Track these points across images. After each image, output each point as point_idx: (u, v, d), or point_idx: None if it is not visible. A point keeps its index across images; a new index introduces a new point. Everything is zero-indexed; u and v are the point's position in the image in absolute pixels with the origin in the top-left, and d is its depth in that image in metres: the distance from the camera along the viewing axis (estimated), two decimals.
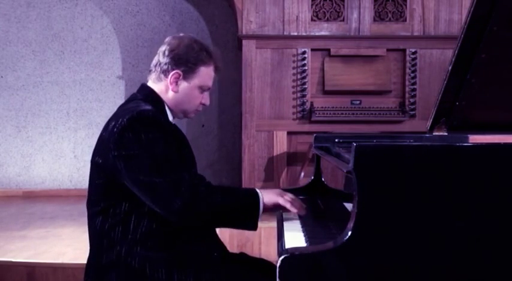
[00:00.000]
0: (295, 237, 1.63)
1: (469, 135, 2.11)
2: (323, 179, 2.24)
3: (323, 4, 4.65)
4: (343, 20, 4.64)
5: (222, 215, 1.70)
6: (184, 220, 1.65)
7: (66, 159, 6.11)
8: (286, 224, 1.80)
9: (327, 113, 4.52)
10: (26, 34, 6.04)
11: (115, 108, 1.88)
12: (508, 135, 1.94)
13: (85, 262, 1.82)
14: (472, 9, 1.66)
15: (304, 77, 4.57)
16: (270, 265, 1.92)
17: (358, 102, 4.57)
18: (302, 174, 4.41)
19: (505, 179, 1.35)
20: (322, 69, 4.58)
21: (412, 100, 4.58)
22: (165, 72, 1.82)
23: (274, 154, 4.61)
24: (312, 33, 4.62)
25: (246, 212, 1.71)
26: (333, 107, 4.55)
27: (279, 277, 1.34)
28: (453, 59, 1.78)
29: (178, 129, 1.82)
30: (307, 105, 4.56)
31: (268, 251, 3.83)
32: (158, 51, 1.85)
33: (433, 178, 1.34)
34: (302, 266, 1.34)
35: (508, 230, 1.35)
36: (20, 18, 6.03)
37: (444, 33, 4.61)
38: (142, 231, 1.68)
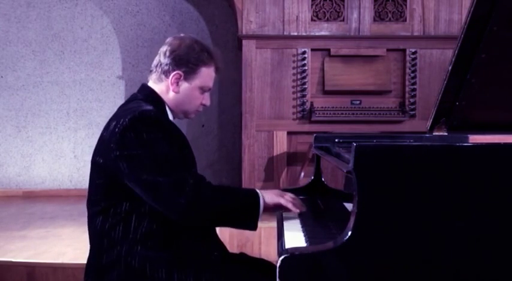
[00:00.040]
0: (295, 237, 1.63)
1: (469, 135, 2.11)
2: (323, 179, 2.24)
3: (323, 4, 4.65)
4: (343, 20, 4.64)
5: (223, 215, 1.71)
6: (187, 218, 1.65)
7: (66, 159, 6.12)
8: (286, 224, 1.80)
9: (327, 113, 4.52)
10: (26, 34, 6.04)
11: (115, 108, 1.88)
12: (508, 135, 1.94)
13: (85, 262, 1.82)
14: (472, 9, 1.66)
15: (304, 77, 4.57)
16: (269, 265, 1.92)
17: (358, 102, 4.57)
18: (302, 174, 4.41)
19: (505, 179, 1.35)
20: (322, 69, 4.58)
21: (412, 100, 4.58)
22: (166, 73, 1.82)
23: (274, 154, 4.61)
24: (312, 33, 4.62)
25: (246, 212, 1.71)
26: (333, 107, 4.55)
27: (279, 277, 1.34)
28: (453, 59, 1.78)
29: (179, 130, 1.82)
30: (307, 105, 4.56)
31: (268, 251, 3.83)
32: (159, 52, 1.86)
33: (433, 178, 1.34)
34: (302, 266, 1.34)
35: (508, 230, 1.35)
36: (20, 18, 6.03)
37: (444, 33, 4.61)
38: (143, 231, 1.68)
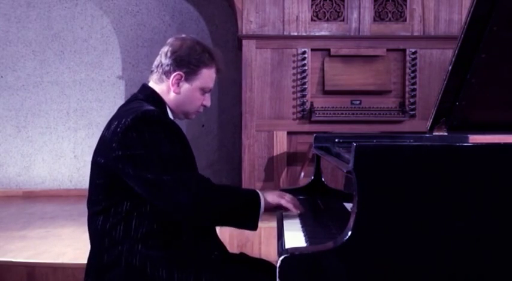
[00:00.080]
0: (295, 237, 1.63)
1: (469, 135, 2.11)
2: (323, 179, 2.24)
3: (323, 4, 4.65)
4: (343, 20, 4.64)
5: (225, 214, 1.72)
6: (190, 216, 1.66)
7: (66, 159, 6.12)
8: (286, 224, 1.80)
9: (327, 113, 4.52)
10: (26, 34, 6.04)
11: (115, 108, 1.88)
12: (508, 135, 1.94)
13: (85, 262, 1.82)
14: (472, 9, 1.66)
15: (304, 77, 4.57)
16: (269, 265, 1.92)
17: (358, 102, 4.58)
18: (302, 174, 4.41)
19: (505, 179, 1.35)
20: (322, 69, 4.59)
21: (412, 100, 4.58)
22: (167, 74, 1.83)
23: (274, 154, 4.61)
24: (312, 33, 4.62)
25: (247, 212, 1.72)
26: (333, 107, 4.55)
27: (279, 277, 1.34)
28: (453, 59, 1.78)
29: (181, 130, 1.82)
30: (307, 105, 4.56)
31: (268, 251, 3.83)
32: (160, 52, 1.86)
33: (433, 178, 1.34)
34: (302, 266, 1.34)
35: (508, 230, 1.35)
36: (20, 18, 6.03)
37: (444, 33, 4.61)
38: (144, 230, 1.69)
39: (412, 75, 4.59)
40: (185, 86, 1.84)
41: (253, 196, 1.74)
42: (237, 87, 5.42)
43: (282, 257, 1.34)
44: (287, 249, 1.38)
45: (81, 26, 6.06)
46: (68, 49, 6.06)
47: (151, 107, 1.75)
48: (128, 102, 1.86)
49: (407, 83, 4.60)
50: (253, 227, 1.72)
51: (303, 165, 4.47)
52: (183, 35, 1.90)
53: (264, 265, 1.94)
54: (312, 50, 4.59)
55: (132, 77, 6.03)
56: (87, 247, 1.83)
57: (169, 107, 1.86)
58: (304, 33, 4.62)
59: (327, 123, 4.49)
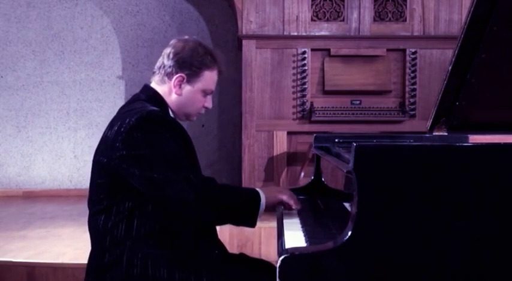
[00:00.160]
0: (295, 237, 1.63)
1: (469, 135, 2.11)
2: (323, 179, 2.24)
3: (323, 4, 4.65)
4: (343, 20, 4.64)
5: (226, 212, 1.75)
6: (196, 213, 1.68)
7: (66, 159, 6.11)
8: (286, 224, 1.80)
9: (327, 113, 4.52)
10: (26, 34, 6.04)
11: (115, 108, 1.88)
12: (508, 135, 1.94)
13: (85, 261, 1.82)
14: (472, 9, 1.66)
15: (304, 77, 4.57)
16: (269, 266, 1.93)
17: (358, 102, 4.57)
18: (302, 174, 4.41)
19: (505, 179, 1.35)
20: (322, 69, 4.58)
21: (412, 100, 4.58)
22: (169, 75, 1.83)
23: (274, 154, 4.61)
24: (312, 33, 4.62)
25: (247, 210, 1.75)
26: (333, 107, 4.55)
27: (279, 277, 1.34)
28: (453, 59, 1.78)
29: (185, 130, 1.83)
30: (307, 105, 4.56)
31: (268, 251, 3.83)
32: (163, 54, 1.86)
33: (433, 178, 1.34)
34: (302, 266, 1.34)
35: (508, 230, 1.35)
36: (20, 18, 6.03)
37: (444, 33, 4.61)
38: (146, 229, 1.69)
39: (412, 75, 4.59)
40: (187, 88, 1.84)
41: (254, 195, 1.76)
42: (237, 87, 5.42)
43: (282, 257, 1.34)
44: (287, 249, 1.38)
45: (81, 26, 6.06)
46: (68, 49, 6.05)
47: (155, 108, 1.76)
48: (130, 102, 1.86)
49: (407, 83, 4.60)
50: (252, 224, 1.75)
51: (303, 165, 4.47)
52: (186, 37, 1.91)
53: (264, 265, 1.95)
54: (312, 50, 4.59)
55: (132, 77, 6.03)
56: (87, 247, 1.83)
57: (170, 109, 1.86)
58: (304, 33, 4.62)
59: (327, 123, 4.48)
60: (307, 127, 4.56)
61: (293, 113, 4.60)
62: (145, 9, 6.05)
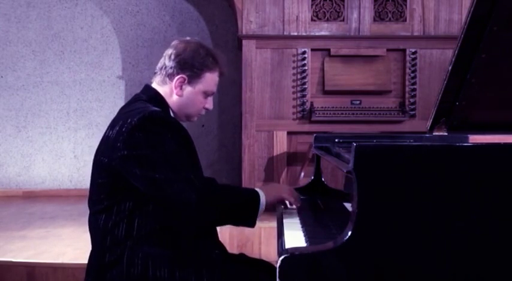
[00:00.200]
0: (295, 237, 1.63)
1: (469, 135, 2.11)
2: (323, 179, 2.24)
3: (323, 4, 4.65)
4: (343, 20, 4.64)
5: (226, 213, 1.75)
6: (197, 214, 1.68)
7: (66, 159, 6.12)
8: (286, 224, 1.81)
9: (327, 113, 4.52)
10: (26, 34, 6.04)
11: (115, 108, 1.88)
12: (508, 135, 1.94)
13: (85, 262, 1.82)
14: (472, 9, 1.66)
15: (304, 77, 4.56)
16: (269, 266, 1.93)
17: (358, 102, 4.57)
18: (302, 174, 4.41)
19: (505, 179, 1.35)
20: (322, 69, 4.58)
21: (412, 100, 4.58)
22: (170, 76, 1.84)
23: (274, 154, 4.61)
24: (312, 33, 4.62)
25: (247, 211, 1.75)
26: (333, 107, 4.55)
27: (279, 277, 1.34)
28: (453, 59, 1.78)
29: (186, 131, 1.83)
30: (307, 105, 4.56)
31: (268, 251, 3.83)
32: (164, 54, 1.87)
33: (433, 178, 1.34)
34: (302, 266, 1.34)
35: (508, 230, 1.35)
36: (20, 18, 6.03)
37: (444, 33, 4.60)
38: (146, 229, 1.70)
39: (412, 75, 4.59)
40: (188, 89, 1.85)
41: (253, 195, 1.77)
42: (237, 87, 5.42)
43: (282, 257, 1.34)
44: (287, 249, 1.38)
45: (81, 26, 6.06)
46: (68, 49, 6.06)
47: (157, 108, 1.76)
48: (131, 102, 1.86)
49: (407, 83, 4.59)
50: (252, 225, 1.76)
51: (303, 165, 4.46)
52: (187, 38, 1.91)
53: (264, 265, 1.95)
54: (312, 50, 4.58)
55: (132, 77, 6.03)
56: (87, 247, 1.83)
57: (171, 109, 1.87)
58: (304, 33, 4.62)
59: (327, 123, 4.48)
60: (307, 127, 4.56)
61: (293, 113, 4.60)
62: (145, 9, 6.05)
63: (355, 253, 1.33)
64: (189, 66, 1.83)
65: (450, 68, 1.79)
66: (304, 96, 4.57)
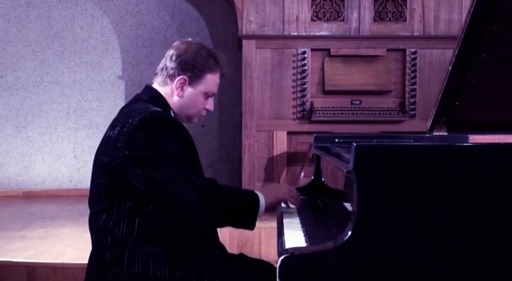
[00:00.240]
0: (295, 237, 1.63)
1: (469, 135, 2.11)
2: (323, 179, 2.24)
3: (323, 4, 4.65)
4: (343, 20, 4.64)
5: (226, 214, 1.75)
6: (198, 214, 1.68)
7: (66, 159, 6.12)
8: (286, 224, 1.81)
9: (327, 113, 4.52)
10: (26, 34, 6.04)
11: (115, 108, 1.89)
12: (508, 135, 1.94)
13: (85, 261, 1.82)
14: (472, 9, 1.66)
15: (304, 77, 4.56)
16: (269, 266, 1.93)
17: (358, 102, 4.57)
18: (302, 174, 4.41)
19: (505, 179, 1.35)
20: (322, 69, 4.58)
21: (412, 100, 4.58)
22: (171, 77, 1.84)
23: (274, 154, 4.61)
24: (312, 33, 4.62)
25: (246, 213, 1.75)
26: (333, 107, 4.55)
27: (279, 277, 1.34)
28: (453, 59, 1.78)
29: (187, 132, 1.84)
30: (307, 105, 4.56)
31: (268, 251, 3.83)
32: (165, 55, 1.88)
33: (433, 178, 1.34)
34: (302, 266, 1.34)
35: (508, 230, 1.35)
36: (20, 18, 6.03)
37: (444, 33, 4.60)
38: (147, 229, 1.70)
39: (412, 75, 4.59)
40: (189, 90, 1.85)
41: (253, 197, 1.77)
42: (237, 87, 5.42)
43: (282, 257, 1.34)
44: (287, 249, 1.38)
45: (81, 26, 6.06)
46: (68, 49, 6.06)
47: (158, 109, 1.76)
48: (131, 102, 1.86)
49: (407, 83, 4.59)
50: (251, 227, 1.76)
51: (303, 165, 4.46)
52: (189, 39, 1.92)
53: (264, 265, 1.95)
54: (312, 50, 4.58)
55: (132, 77, 6.03)
56: (87, 246, 1.83)
57: (172, 110, 1.87)
58: (304, 33, 4.62)
59: (327, 123, 4.48)
60: (307, 127, 4.56)
61: (293, 113, 4.60)
62: (145, 9, 6.05)
63: (355, 253, 1.33)
64: (190, 67, 1.83)
65: (450, 68, 1.79)
66: (304, 96, 4.57)
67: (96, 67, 6.07)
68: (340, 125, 4.46)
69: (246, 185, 4.55)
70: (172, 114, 1.87)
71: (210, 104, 1.92)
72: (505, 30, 1.71)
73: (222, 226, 1.90)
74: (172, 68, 1.84)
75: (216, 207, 1.71)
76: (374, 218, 1.34)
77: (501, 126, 1.97)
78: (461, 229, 1.34)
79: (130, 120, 1.69)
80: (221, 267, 1.75)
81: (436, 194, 1.34)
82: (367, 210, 1.34)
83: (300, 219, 1.87)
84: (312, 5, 4.63)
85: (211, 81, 1.87)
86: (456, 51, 1.76)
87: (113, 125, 1.76)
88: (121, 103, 5.78)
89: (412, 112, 4.57)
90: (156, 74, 1.90)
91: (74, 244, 3.51)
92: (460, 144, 1.40)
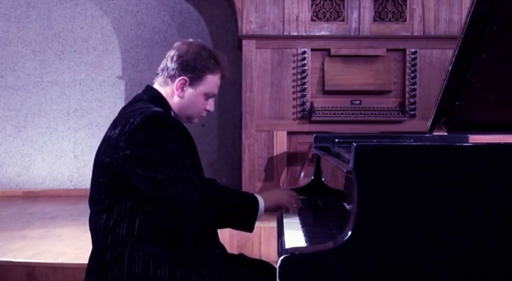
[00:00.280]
0: (295, 237, 1.63)
1: (469, 135, 2.11)
2: (323, 179, 2.24)
3: (323, 4, 4.65)
4: (343, 20, 4.64)
5: (225, 215, 1.75)
6: (198, 214, 1.68)
7: (66, 159, 6.12)
8: (286, 224, 1.81)
9: (327, 113, 4.52)
10: (26, 34, 6.04)
11: (115, 108, 1.89)
12: (508, 135, 1.94)
13: (85, 261, 1.82)
14: (472, 9, 1.66)
15: (304, 77, 4.57)
16: (268, 266, 1.93)
17: (358, 102, 4.57)
18: (302, 174, 4.41)
19: (505, 179, 1.35)
20: (322, 69, 4.58)
21: (412, 100, 4.58)
22: (172, 78, 1.85)
23: (274, 154, 4.61)
24: (312, 33, 4.62)
25: (245, 216, 1.76)
26: (333, 107, 4.55)
27: (279, 277, 1.34)
28: (453, 59, 1.78)
29: (188, 132, 1.84)
30: (307, 105, 4.56)
31: (268, 251, 3.83)
32: (166, 56, 1.88)
33: (433, 178, 1.34)
34: (302, 266, 1.34)
35: (508, 230, 1.35)
36: (20, 18, 6.03)
37: (444, 33, 4.60)
38: (147, 228, 1.70)
39: (412, 75, 4.59)
40: (189, 91, 1.86)
41: (253, 200, 1.77)
42: (237, 87, 5.42)
43: (282, 257, 1.34)
44: (287, 249, 1.38)
45: (81, 26, 6.06)
46: (68, 49, 6.06)
47: (159, 109, 1.76)
48: (132, 103, 1.87)
49: (407, 83, 4.59)
50: (250, 229, 1.76)
51: (303, 165, 4.46)
52: (190, 40, 1.92)
53: (264, 265, 1.95)
54: (312, 50, 4.59)
55: (132, 77, 6.03)
56: (87, 246, 1.83)
57: (172, 110, 1.88)
58: (304, 33, 4.62)
59: (327, 123, 4.48)
60: (307, 127, 4.56)
61: (293, 113, 4.60)
62: (145, 9, 6.05)
63: (355, 253, 1.33)
64: (191, 68, 1.83)
65: (450, 68, 1.79)
66: (304, 96, 4.57)
67: (96, 67, 6.07)
68: (340, 125, 4.46)
69: (246, 185, 4.56)
70: (172, 115, 1.87)
71: (210, 105, 1.92)
72: (505, 30, 1.71)
73: (221, 227, 1.90)
74: (173, 69, 1.84)
75: (216, 208, 1.72)
76: (374, 218, 1.34)
77: (501, 126, 1.97)
78: (461, 228, 1.34)
79: (132, 120, 1.69)
80: (221, 267, 1.75)
81: (436, 194, 1.34)
82: (367, 210, 1.34)
83: (300, 219, 1.87)
84: (312, 5, 4.63)
85: (211, 82, 1.87)
86: (456, 51, 1.76)
87: (113, 125, 1.76)
88: (121, 103, 5.79)
89: (412, 112, 4.57)
90: (156, 74, 1.90)
91: (74, 244, 3.51)
92: (460, 144, 1.40)
